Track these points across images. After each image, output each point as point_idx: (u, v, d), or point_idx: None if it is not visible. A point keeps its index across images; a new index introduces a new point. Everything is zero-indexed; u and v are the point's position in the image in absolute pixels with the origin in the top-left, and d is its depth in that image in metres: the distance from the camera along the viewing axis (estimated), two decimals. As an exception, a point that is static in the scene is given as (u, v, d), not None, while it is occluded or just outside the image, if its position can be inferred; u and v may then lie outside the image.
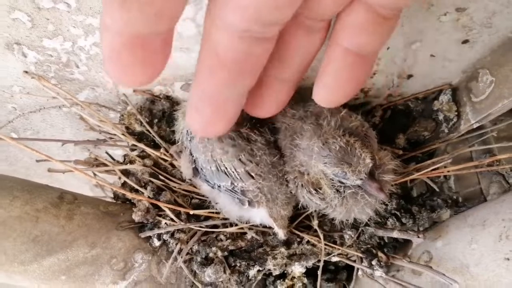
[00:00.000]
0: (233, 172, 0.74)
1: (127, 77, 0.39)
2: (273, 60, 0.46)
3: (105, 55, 0.38)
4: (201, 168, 0.77)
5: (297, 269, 0.86)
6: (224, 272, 0.81)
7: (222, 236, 0.85)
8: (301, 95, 0.81)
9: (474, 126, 0.84)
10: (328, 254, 0.85)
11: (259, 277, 0.87)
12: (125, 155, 0.92)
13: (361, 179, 0.67)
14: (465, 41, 0.76)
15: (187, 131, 0.78)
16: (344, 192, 0.70)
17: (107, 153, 0.94)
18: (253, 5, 0.35)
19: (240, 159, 0.73)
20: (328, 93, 0.49)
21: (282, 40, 0.44)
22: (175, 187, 0.86)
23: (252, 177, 0.74)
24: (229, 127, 0.48)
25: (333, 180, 0.70)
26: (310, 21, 0.43)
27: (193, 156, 0.78)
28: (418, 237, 0.77)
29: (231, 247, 0.85)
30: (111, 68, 0.38)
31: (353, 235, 0.84)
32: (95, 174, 0.87)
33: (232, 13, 0.36)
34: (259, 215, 0.78)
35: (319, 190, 0.72)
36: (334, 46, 0.46)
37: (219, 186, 0.76)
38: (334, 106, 0.53)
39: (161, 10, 0.35)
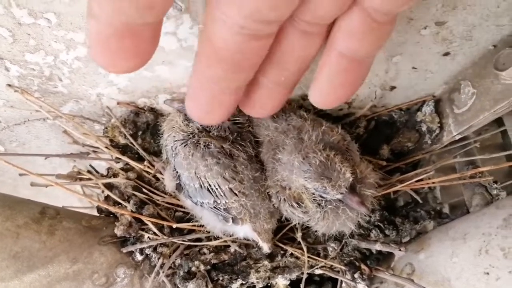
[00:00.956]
0: (216, 189, 0.74)
1: (114, 64, 0.40)
2: (270, 63, 0.46)
3: (92, 42, 0.38)
4: (185, 185, 0.77)
5: (281, 281, 0.86)
6: (206, 286, 0.81)
7: (205, 250, 0.85)
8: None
9: (456, 138, 0.84)
10: (311, 266, 0.85)
11: (242, 291, 0.87)
12: (108, 168, 0.92)
13: (341, 193, 0.67)
14: (446, 54, 0.76)
15: (171, 147, 0.78)
16: (325, 206, 0.70)
17: (90, 166, 0.94)
18: (251, 3, 0.35)
19: (224, 177, 0.73)
20: (322, 96, 0.50)
21: (279, 43, 0.44)
22: (158, 200, 0.86)
23: (236, 194, 0.74)
24: (227, 117, 0.50)
25: (314, 194, 0.70)
26: (308, 25, 0.43)
27: (177, 172, 0.78)
28: (400, 250, 0.77)
29: (214, 261, 0.85)
30: (98, 55, 0.39)
31: (336, 247, 0.84)
32: (82, 188, 0.87)
33: (230, 9, 0.37)
34: (243, 230, 0.78)
35: (301, 204, 0.72)
36: (329, 50, 0.46)
37: (202, 203, 0.76)
38: (330, 108, 0.53)
39: (153, 1, 0.35)
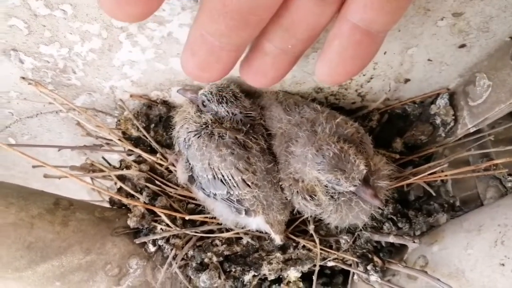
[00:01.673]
0: (230, 180, 0.73)
1: (121, 10, 0.40)
2: (278, 27, 0.45)
3: None
4: (197, 176, 0.77)
5: (293, 273, 0.86)
6: (219, 277, 0.81)
7: (217, 241, 0.85)
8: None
9: (471, 131, 0.83)
10: (323, 258, 0.85)
11: (254, 282, 0.87)
12: (121, 160, 0.92)
13: (354, 185, 0.67)
14: (462, 46, 0.75)
15: (184, 138, 0.78)
16: (338, 199, 0.70)
17: (103, 158, 0.94)
18: None
19: (237, 168, 0.73)
20: (330, 69, 0.49)
21: (290, 8, 0.43)
22: (171, 192, 0.86)
23: (249, 185, 0.74)
24: (222, 76, 0.49)
25: (327, 186, 0.70)
26: None
27: (189, 164, 0.78)
28: (414, 242, 0.76)
29: (226, 252, 0.85)
30: (106, 1, 0.39)
31: (348, 240, 0.84)
32: (92, 180, 0.87)
33: None
34: (256, 221, 0.78)
35: (314, 196, 0.72)
36: (342, 21, 0.44)
37: (215, 195, 0.76)
38: (335, 84, 0.51)
39: None
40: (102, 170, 0.87)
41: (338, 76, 0.50)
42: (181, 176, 0.80)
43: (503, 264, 0.65)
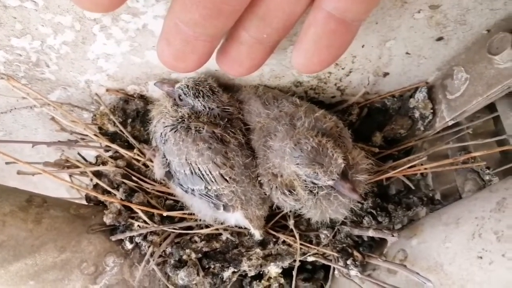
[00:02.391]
0: (207, 175, 0.73)
1: (88, 1, 0.40)
2: (253, 16, 0.45)
3: None
4: (175, 172, 0.76)
5: (273, 269, 0.86)
6: (198, 274, 0.80)
7: (196, 238, 0.84)
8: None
9: (449, 124, 0.84)
10: (303, 254, 0.85)
11: (234, 279, 0.86)
12: (97, 156, 0.90)
13: (333, 179, 0.66)
14: (439, 39, 0.76)
15: (160, 133, 0.77)
16: (317, 193, 0.70)
17: (79, 154, 0.92)
18: None
19: (215, 162, 0.72)
20: (306, 58, 0.49)
21: None
22: (148, 188, 0.85)
23: (227, 180, 0.73)
24: (198, 67, 0.49)
25: (306, 181, 0.69)
26: None
27: (166, 159, 0.77)
28: (393, 235, 0.76)
29: (205, 249, 0.84)
30: None
31: (329, 235, 0.83)
32: (71, 177, 0.85)
33: None
34: (234, 217, 0.78)
35: (293, 191, 0.72)
36: (317, 10, 0.44)
37: (192, 190, 0.75)
38: (311, 73, 0.52)
39: None
40: (77, 166, 0.85)
41: (314, 65, 0.50)
42: (158, 171, 0.79)
43: (480, 257, 0.65)
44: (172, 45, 0.46)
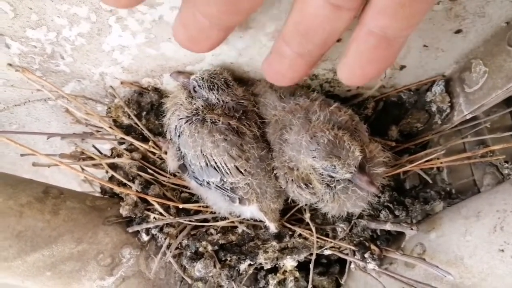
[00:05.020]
0: (223, 167, 0.72)
1: None
2: (295, 33, 0.47)
3: None
4: (190, 165, 0.76)
5: (289, 262, 0.85)
6: (214, 266, 0.80)
7: (212, 230, 0.84)
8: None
9: (468, 117, 0.83)
10: (320, 247, 0.84)
11: (250, 271, 0.86)
12: (112, 149, 0.90)
13: (350, 172, 0.66)
14: (458, 31, 0.75)
15: (175, 126, 0.76)
16: (335, 187, 0.69)
17: (94, 146, 0.92)
18: None
19: (230, 154, 0.72)
20: (350, 72, 0.50)
21: (307, 12, 0.44)
22: (164, 180, 0.85)
23: (242, 173, 0.72)
24: (210, 50, 0.51)
25: (322, 174, 0.69)
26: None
27: (181, 152, 0.77)
28: (411, 229, 0.76)
29: (221, 241, 0.84)
30: None
31: (345, 228, 0.83)
32: (82, 169, 0.85)
33: None
34: (250, 210, 0.77)
35: (309, 185, 0.71)
36: (360, 26, 0.45)
37: (208, 183, 0.75)
38: (356, 85, 0.53)
39: None
40: (92, 158, 0.85)
41: (358, 78, 0.50)
42: (172, 164, 0.79)
43: (502, 250, 0.65)
44: (188, 30, 0.48)
